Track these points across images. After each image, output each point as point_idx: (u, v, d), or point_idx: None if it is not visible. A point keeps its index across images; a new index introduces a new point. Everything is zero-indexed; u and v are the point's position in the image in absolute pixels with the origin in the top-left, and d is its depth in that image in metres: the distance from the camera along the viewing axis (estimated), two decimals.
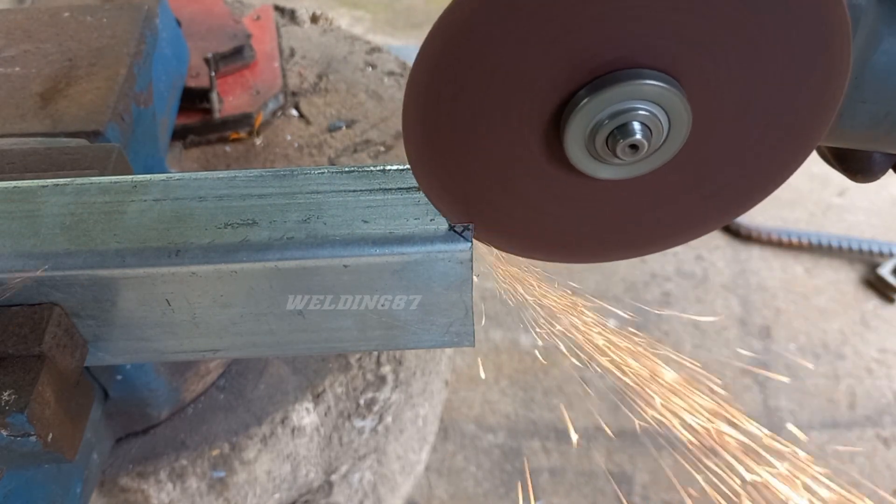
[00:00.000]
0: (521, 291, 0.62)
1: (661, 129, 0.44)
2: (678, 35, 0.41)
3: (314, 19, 1.42)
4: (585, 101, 0.43)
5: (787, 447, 0.77)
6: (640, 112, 0.43)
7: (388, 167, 0.58)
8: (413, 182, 0.55)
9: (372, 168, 0.59)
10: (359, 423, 1.00)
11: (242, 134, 1.16)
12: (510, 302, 0.62)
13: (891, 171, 0.58)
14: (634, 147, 0.44)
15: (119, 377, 0.76)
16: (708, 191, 0.50)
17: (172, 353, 0.62)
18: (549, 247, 0.55)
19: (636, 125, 0.43)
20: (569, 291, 0.64)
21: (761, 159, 0.48)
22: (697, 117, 0.44)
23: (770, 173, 0.49)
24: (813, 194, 2.47)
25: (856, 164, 0.57)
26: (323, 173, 0.58)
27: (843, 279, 2.24)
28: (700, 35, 0.41)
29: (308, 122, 1.19)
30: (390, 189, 0.57)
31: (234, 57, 1.19)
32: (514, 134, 0.46)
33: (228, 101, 1.16)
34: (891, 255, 2.22)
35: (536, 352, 1.99)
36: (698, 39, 0.41)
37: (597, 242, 0.54)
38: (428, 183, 0.50)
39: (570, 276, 0.63)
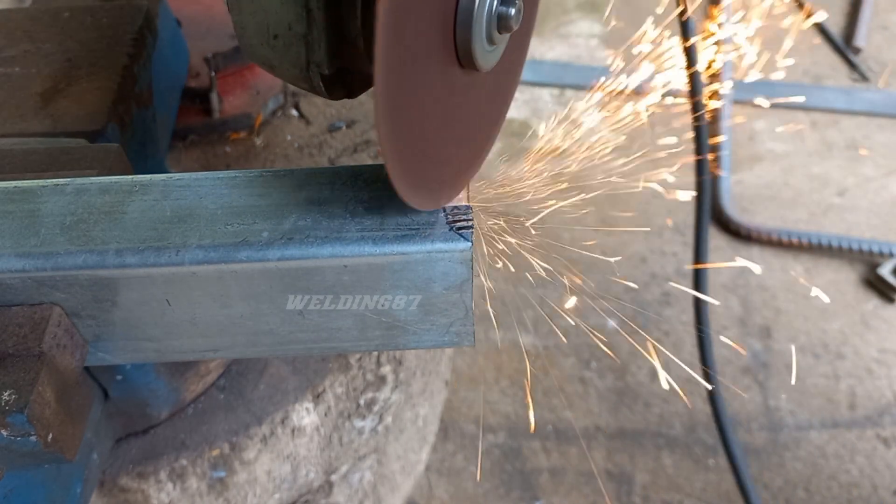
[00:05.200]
0: None
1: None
2: None
3: None
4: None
5: None
6: None
7: None
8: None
9: (372, 168, 0.59)
10: (359, 423, 1.00)
11: (242, 134, 1.16)
12: None
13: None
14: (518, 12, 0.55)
15: (119, 377, 0.76)
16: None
17: (172, 353, 0.62)
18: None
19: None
20: None
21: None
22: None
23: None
24: (813, 194, 2.47)
25: None
26: (323, 173, 0.59)
27: (843, 279, 2.23)
28: None
29: (308, 122, 1.19)
30: (390, 189, 0.57)
31: (234, 57, 1.18)
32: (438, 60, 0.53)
33: (228, 101, 1.16)
34: (891, 255, 2.22)
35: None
36: None
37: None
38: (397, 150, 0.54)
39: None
